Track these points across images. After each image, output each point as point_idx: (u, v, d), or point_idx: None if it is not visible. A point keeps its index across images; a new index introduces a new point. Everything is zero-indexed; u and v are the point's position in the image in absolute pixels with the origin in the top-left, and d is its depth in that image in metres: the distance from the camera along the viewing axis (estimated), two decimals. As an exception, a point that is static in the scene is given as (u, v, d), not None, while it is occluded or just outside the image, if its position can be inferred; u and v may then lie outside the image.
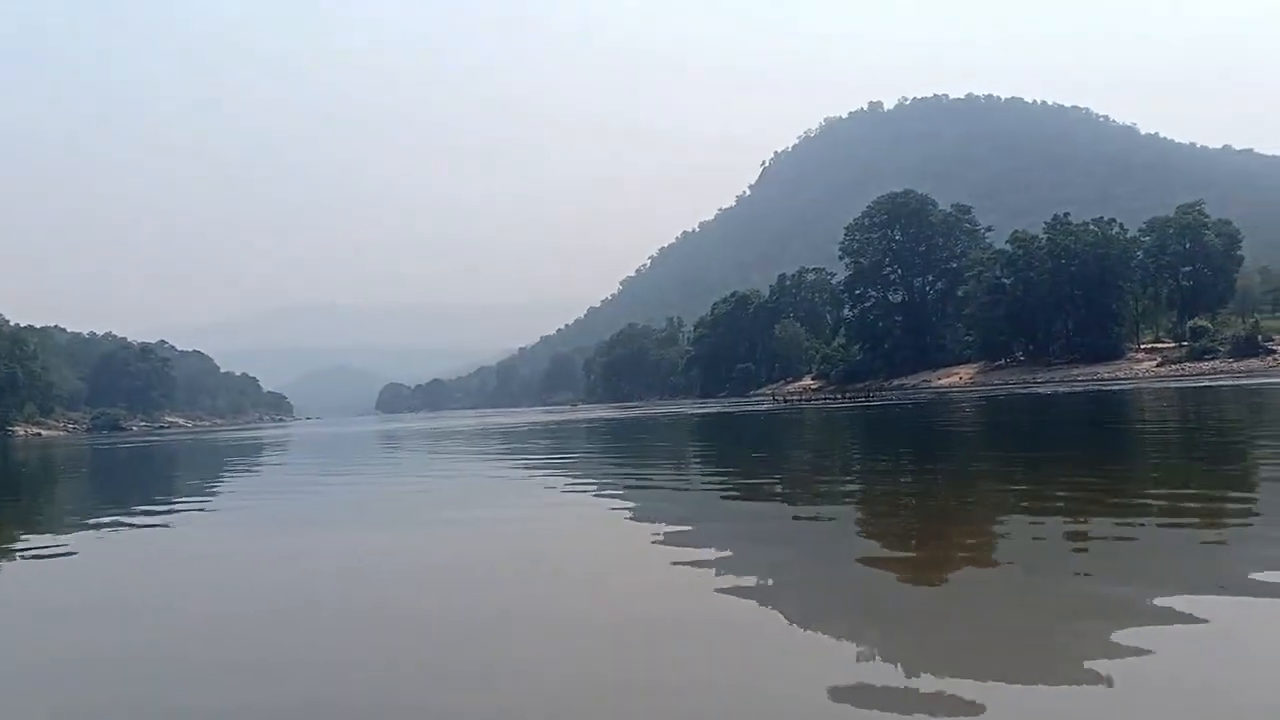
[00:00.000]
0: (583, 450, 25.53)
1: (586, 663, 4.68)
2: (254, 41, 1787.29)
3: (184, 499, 16.13)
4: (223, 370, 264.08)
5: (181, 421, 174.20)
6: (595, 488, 13.68)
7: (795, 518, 9.54)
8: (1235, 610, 4.99)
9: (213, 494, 17.15)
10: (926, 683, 4.04)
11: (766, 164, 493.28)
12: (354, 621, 5.86)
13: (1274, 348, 76.67)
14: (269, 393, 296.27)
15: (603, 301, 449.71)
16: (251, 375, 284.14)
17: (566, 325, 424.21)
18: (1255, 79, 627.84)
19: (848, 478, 14.33)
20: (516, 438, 34.10)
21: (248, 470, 24.93)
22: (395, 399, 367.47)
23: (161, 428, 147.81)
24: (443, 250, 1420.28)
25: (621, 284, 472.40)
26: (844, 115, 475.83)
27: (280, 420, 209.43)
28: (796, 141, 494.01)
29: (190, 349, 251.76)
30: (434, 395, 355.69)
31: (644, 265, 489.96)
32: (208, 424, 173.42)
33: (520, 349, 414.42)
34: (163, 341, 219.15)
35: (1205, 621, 4.75)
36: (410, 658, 4.96)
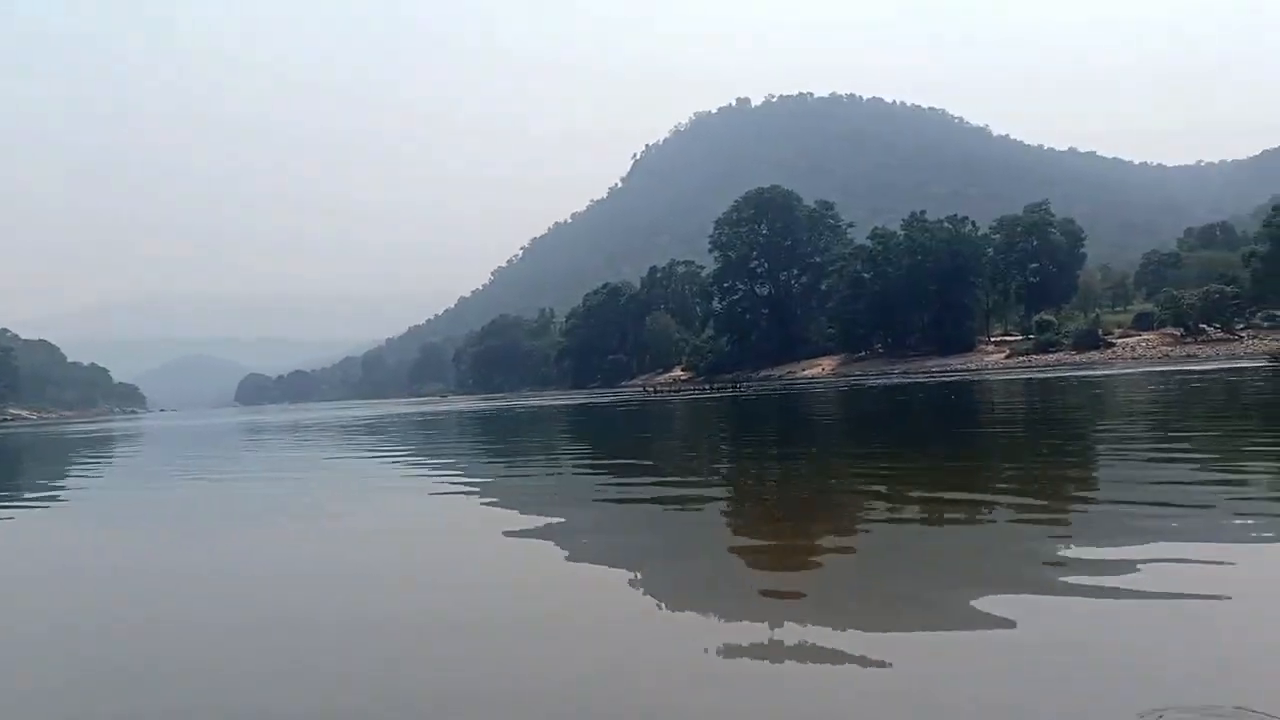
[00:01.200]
0: (453, 442, 25.28)
1: (452, 664, 4.61)
2: (120, 39, 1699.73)
3: None
4: (70, 360, 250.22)
5: (26, 414, 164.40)
6: (463, 480, 13.60)
7: (665, 507, 9.72)
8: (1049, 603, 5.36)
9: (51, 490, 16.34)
10: (790, 669, 4.22)
11: (638, 156, 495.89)
12: (192, 631, 5.72)
13: (1113, 341, 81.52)
14: (120, 384, 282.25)
15: (473, 292, 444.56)
16: (102, 366, 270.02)
17: (436, 316, 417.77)
18: (1095, 85, 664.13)
19: (715, 467, 14.64)
20: (384, 430, 33.48)
21: (82, 467, 23.79)
22: (256, 391, 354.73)
23: (5, 420, 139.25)
24: (309, 241, 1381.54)
25: (493, 274, 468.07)
26: (713, 110, 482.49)
27: (133, 413, 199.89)
28: (668, 135, 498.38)
29: (36, 338, 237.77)
30: (297, 387, 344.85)
31: (515, 256, 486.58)
32: (54, 416, 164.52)
33: (388, 340, 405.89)
34: (5, 330, 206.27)
35: (1012, 624, 5.09)
36: (260, 661, 4.88)
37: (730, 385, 74.22)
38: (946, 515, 8.21)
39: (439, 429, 33.18)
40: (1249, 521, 6.91)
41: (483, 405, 64.82)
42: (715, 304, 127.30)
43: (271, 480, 16.48)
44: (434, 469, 16.43)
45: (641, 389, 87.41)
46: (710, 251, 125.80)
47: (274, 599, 6.34)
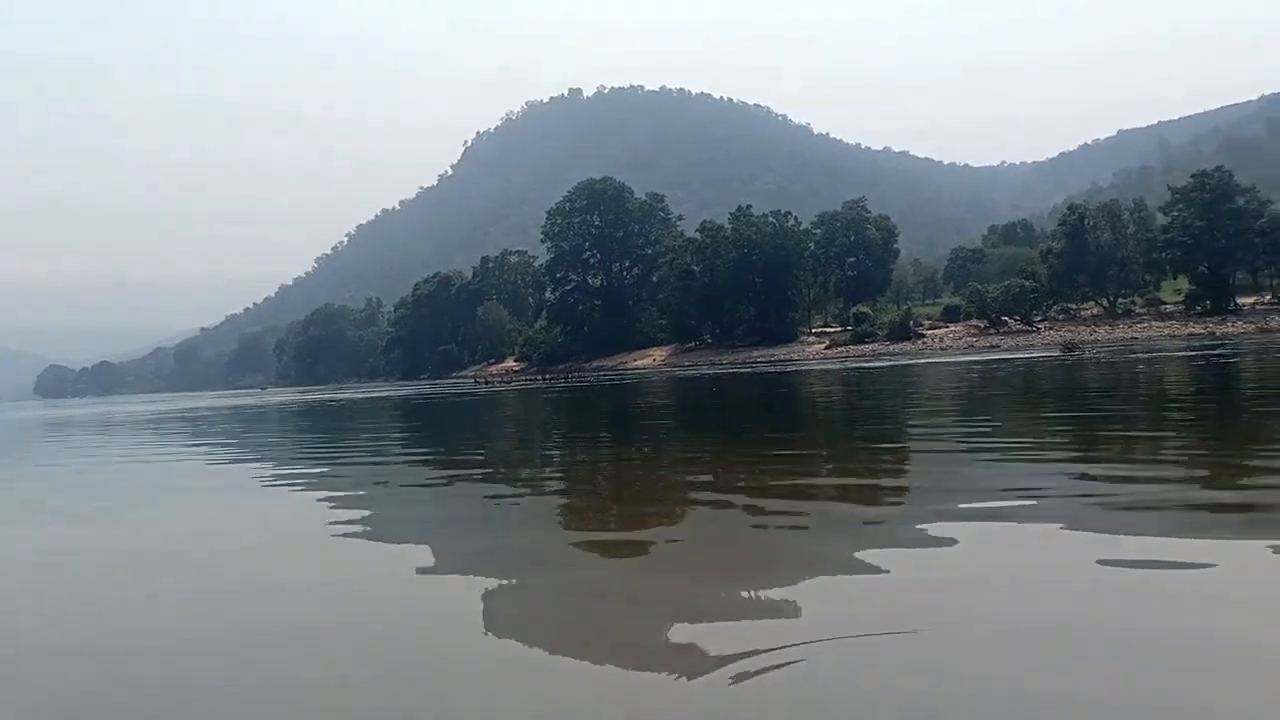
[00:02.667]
0: (275, 436, 24.35)
1: (260, 674, 4.35)
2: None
3: None
4: None
5: None
6: (282, 476, 13.14)
7: (497, 500, 9.67)
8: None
9: None
10: (629, 656, 4.29)
11: (469, 144, 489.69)
12: None
13: (924, 332, 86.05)
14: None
15: (295, 280, 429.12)
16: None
17: (255, 304, 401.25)
18: (911, 87, 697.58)
19: (548, 457, 14.67)
20: (198, 424, 31.92)
21: None
22: (57, 384, 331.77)
23: None
24: (117, 224, 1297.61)
25: (317, 262, 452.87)
26: (545, 100, 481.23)
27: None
28: (499, 124, 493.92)
29: None
30: (103, 379, 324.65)
31: (341, 243, 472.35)
32: None
33: (203, 329, 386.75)
34: None
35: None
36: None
37: (563, 376, 74.37)
38: (770, 504, 8.50)
39: (255, 423, 31.89)
40: (1050, 501, 7.45)
41: (306, 398, 62.69)
42: (548, 294, 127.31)
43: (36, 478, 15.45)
44: (243, 465, 15.79)
45: (474, 380, 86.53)
46: (543, 242, 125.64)
47: (136, 594, 5.97)
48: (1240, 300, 76.90)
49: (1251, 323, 68.64)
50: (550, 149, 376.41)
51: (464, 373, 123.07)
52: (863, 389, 29.35)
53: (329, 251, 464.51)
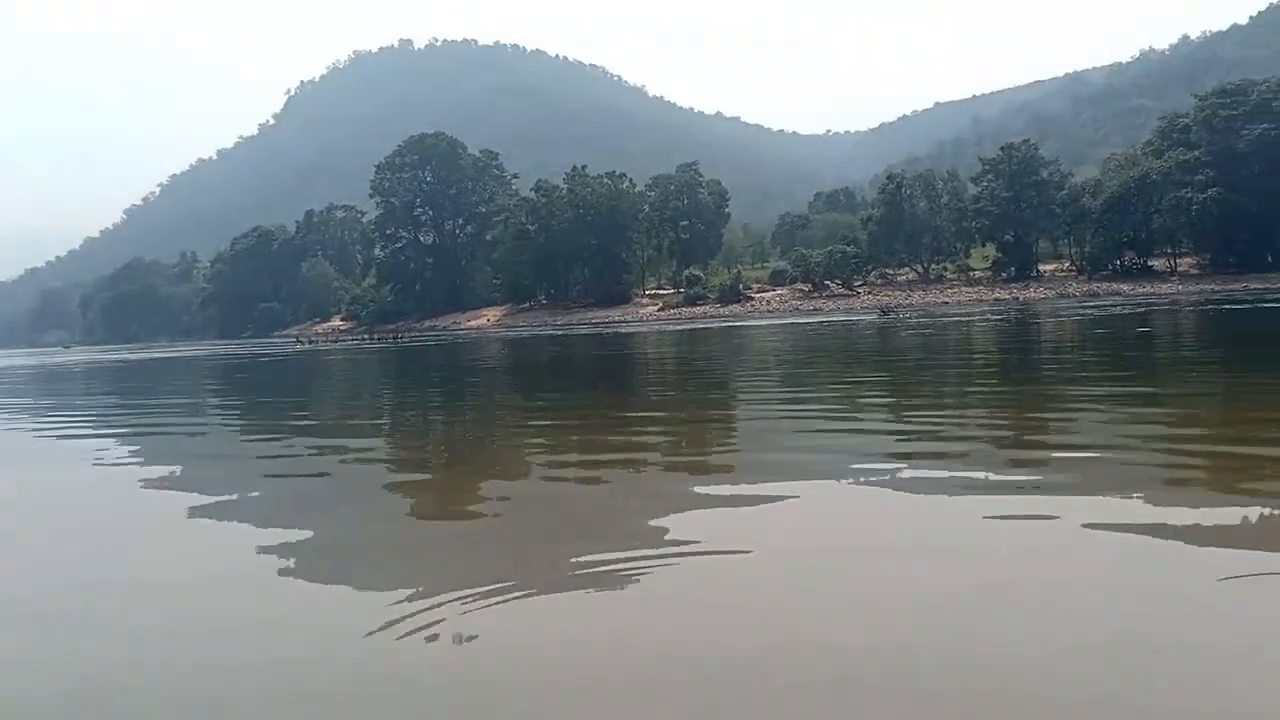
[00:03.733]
0: (80, 398, 22.98)
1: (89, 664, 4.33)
2: None
3: None
4: None
5: None
6: (93, 442, 12.52)
7: (323, 469, 9.52)
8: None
9: None
10: (453, 620, 4.38)
11: (292, 93, 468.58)
12: None
13: (752, 295, 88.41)
14: None
15: (102, 232, 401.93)
16: None
17: (58, 258, 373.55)
18: (742, 55, 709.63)
19: (378, 420, 14.48)
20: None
21: None
22: None
23: None
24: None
25: (125, 213, 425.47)
26: (374, 50, 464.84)
27: None
28: (325, 72, 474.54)
29: None
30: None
31: (152, 194, 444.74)
32: None
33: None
34: None
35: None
36: None
37: (392, 336, 72.85)
38: (602, 462, 8.71)
39: (54, 383, 30.00)
40: (861, 463, 7.94)
41: (113, 357, 59.19)
42: (377, 251, 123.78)
43: None
44: (100, 431, 14.94)
45: (296, 340, 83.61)
46: (371, 197, 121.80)
47: None
48: (1042, 267, 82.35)
49: (1051, 288, 73.74)
50: (380, 101, 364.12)
51: (286, 332, 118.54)
52: (695, 350, 30.06)
53: (139, 202, 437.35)
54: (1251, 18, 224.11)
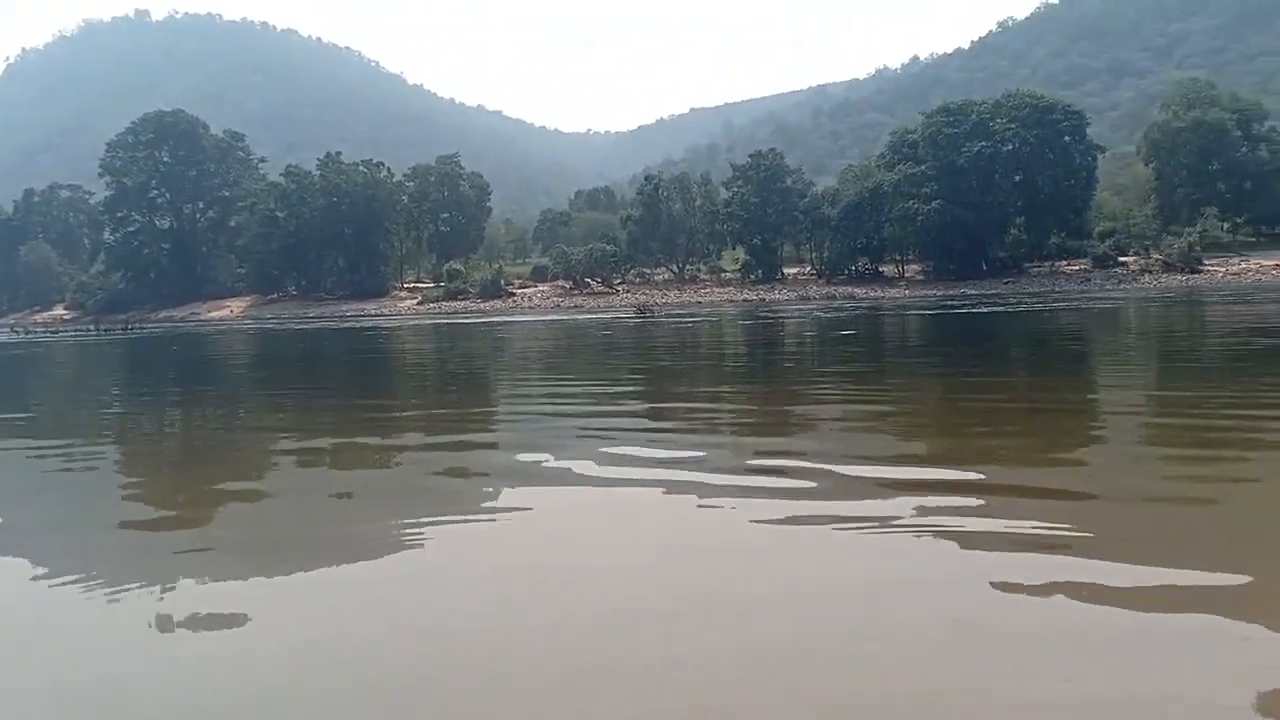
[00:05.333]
0: None
1: None
2: None
3: None
4: None
5: None
6: None
7: (44, 470, 8.80)
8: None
9: None
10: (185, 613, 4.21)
11: (12, 61, 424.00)
12: None
13: (514, 291, 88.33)
14: None
15: None
16: None
17: None
18: (505, 47, 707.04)
19: (104, 419, 13.48)
20: None
21: None
22: None
23: None
24: None
25: None
26: (107, 20, 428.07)
27: None
28: (50, 40, 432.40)
29: None
30: None
31: None
32: None
33: None
34: None
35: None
36: None
37: (122, 326, 67.62)
38: (352, 455, 8.54)
39: None
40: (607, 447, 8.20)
41: None
42: (108, 236, 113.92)
43: None
44: None
45: (12, 329, 75.96)
46: (101, 177, 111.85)
47: None
48: (786, 270, 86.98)
49: (794, 290, 78.06)
50: (112, 75, 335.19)
51: (1, 320, 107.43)
52: (455, 346, 29.78)
53: None
54: (973, 42, 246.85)
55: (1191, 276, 64.75)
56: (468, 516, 5.79)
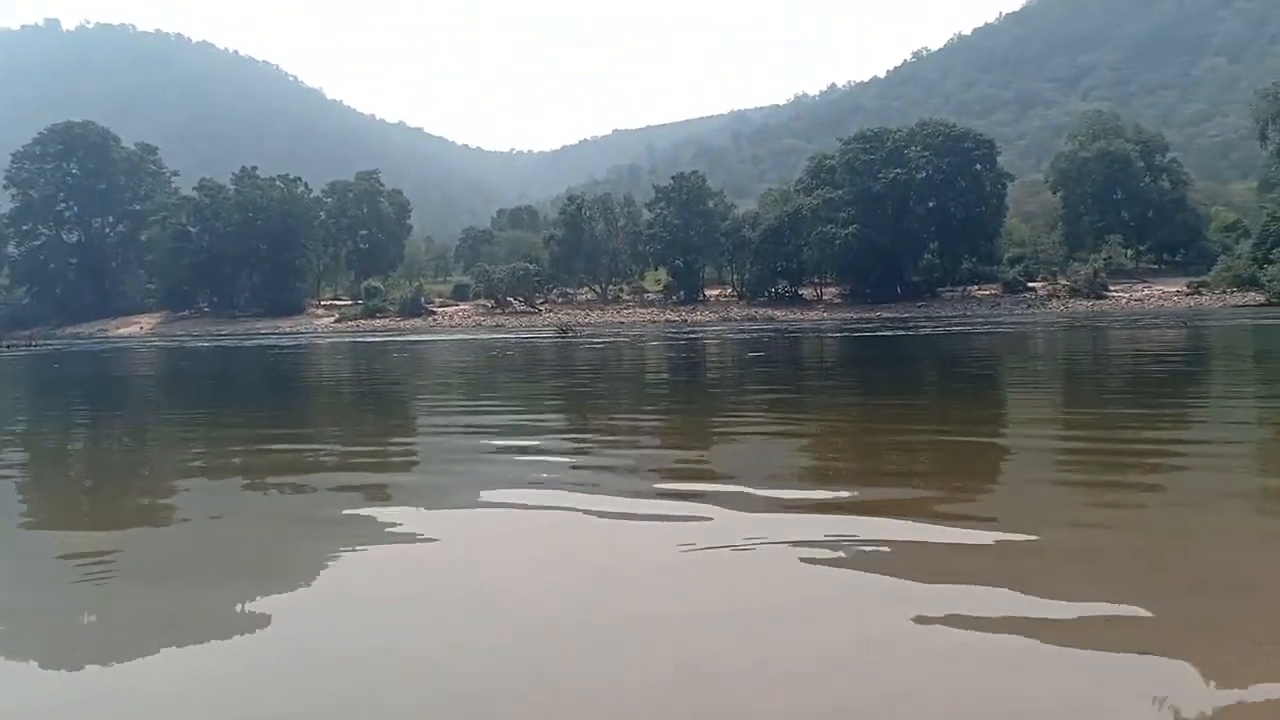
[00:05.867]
0: None
1: None
2: None
3: None
4: None
5: None
6: None
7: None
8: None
9: None
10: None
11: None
12: None
13: (435, 309, 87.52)
14: None
15: None
16: None
17: None
18: (427, 64, 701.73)
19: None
20: None
21: None
22: None
23: None
24: None
25: None
26: (15, 27, 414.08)
27: None
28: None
29: None
30: None
31: None
32: None
33: None
34: None
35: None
36: None
37: (26, 343, 65.28)
38: (269, 478, 8.39)
39: None
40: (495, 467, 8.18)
41: None
42: (12, 249, 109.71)
43: None
44: None
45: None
46: (6, 189, 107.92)
47: None
48: (708, 292, 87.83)
49: (716, 312, 78.83)
50: (19, 84, 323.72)
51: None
52: (372, 365, 29.39)
53: None
54: (889, 71, 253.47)
55: (1097, 302, 67.06)
56: (376, 543, 5.72)
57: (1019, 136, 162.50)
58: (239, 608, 4.47)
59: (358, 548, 5.56)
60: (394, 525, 6.08)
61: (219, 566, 5.35)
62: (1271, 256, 61.82)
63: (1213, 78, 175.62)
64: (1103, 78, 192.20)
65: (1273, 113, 63.83)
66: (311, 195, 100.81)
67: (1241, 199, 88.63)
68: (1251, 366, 20.32)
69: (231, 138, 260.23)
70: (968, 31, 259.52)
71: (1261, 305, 57.58)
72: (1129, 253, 78.04)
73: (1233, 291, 64.52)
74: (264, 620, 4.29)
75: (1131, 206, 79.66)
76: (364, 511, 6.63)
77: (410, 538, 5.76)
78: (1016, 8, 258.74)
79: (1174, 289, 69.21)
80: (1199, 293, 66.65)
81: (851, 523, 5.66)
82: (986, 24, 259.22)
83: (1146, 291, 70.27)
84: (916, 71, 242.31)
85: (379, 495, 7.35)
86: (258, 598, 4.63)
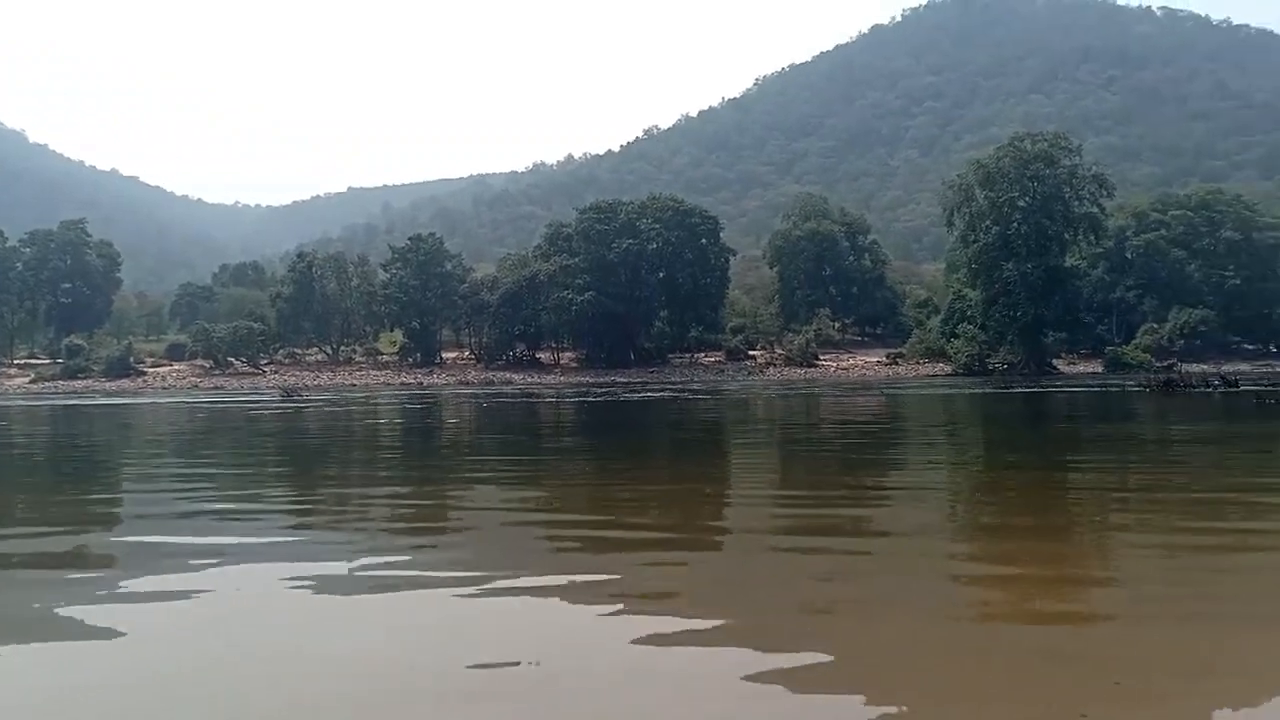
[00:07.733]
0: None
1: None
2: None
3: None
4: None
5: None
6: None
7: None
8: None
9: None
10: None
11: None
12: None
13: (145, 370, 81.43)
14: None
15: None
16: None
17: None
18: (150, 107, 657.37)
19: None
20: None
21: None
22: None
23: None
24: None
25: None
26: None
27: None
28: None
29: None
30: None
31: None
32: None
33: None
34: None
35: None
36: None
37: None
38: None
39: None
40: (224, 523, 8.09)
41: None
42: None
43: None
44: None
45: None
46: None
47: None
48: (446, 354, 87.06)
49: (454, 375, 78.19)
50: None
51: None
52: (70, 431, 27.21)
53: None
54: (623, 146, 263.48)
55: (809, 370, 72.32)
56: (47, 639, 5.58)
57: (740, 214, 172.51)
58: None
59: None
60: (77, 618, 5.92)
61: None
62: (958, 331, 69.12)
63: (907, 168, 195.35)
64: (813, 164, 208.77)
65: (957, 202, 71.70)
66: (7, 244, 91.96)
67: (932, 278, 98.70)
68: (944, 437, 22.75)
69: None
70: (694, 114, 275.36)
71: (949, 375, 64.19)
72: (836, 325, 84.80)
73: (925, 362, 71.57)
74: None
75: (838, 283, 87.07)
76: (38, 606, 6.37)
77: (84, 634, 5.65)
78: (737, 95, 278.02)
79: (875, 359, 75.94)
80: (896, 363, 73.52)
81: (575, 574, 6.07)
82: (711, 108, 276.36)
83: (852, 361, 76.62)
84: (648, 148, 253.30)
85: (65, 591, 7.04)
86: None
